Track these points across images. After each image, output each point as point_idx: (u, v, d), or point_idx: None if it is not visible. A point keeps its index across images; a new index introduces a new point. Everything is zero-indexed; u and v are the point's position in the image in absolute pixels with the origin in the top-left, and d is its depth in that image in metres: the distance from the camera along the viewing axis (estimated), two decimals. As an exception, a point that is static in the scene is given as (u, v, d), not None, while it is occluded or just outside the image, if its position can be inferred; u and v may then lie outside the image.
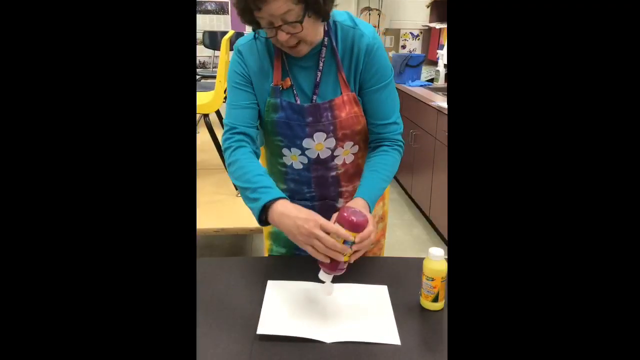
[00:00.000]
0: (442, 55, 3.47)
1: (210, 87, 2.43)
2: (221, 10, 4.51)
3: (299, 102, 1.02)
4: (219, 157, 2.20)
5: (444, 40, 3.61)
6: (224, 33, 2.31)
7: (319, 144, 1.04)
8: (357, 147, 1.10)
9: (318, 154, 1.06)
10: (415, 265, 1.06)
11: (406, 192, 3.39)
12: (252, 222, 1.92)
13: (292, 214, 0.88)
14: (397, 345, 0.81)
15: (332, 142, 1.05)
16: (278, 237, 1.20)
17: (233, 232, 1.92)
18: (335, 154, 1.07)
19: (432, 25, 3.82)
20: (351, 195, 1.13)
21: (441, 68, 3.47)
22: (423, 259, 0.92)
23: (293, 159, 1.08)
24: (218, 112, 2.47)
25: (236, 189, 2.18)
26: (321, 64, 1.01)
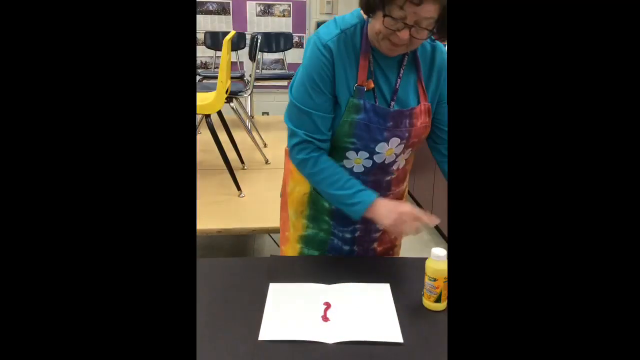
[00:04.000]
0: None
1: (212, 88, 2.43)
2: (222, 10, 4.51)
3: (378, 104, 1.00)
4: (220, 157, 2.20)
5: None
6: (226, 33, 2.31)
7: (390, 150, 1.04)
8: (411, 153, 1.11)
9: (385, 159, 1.05)
10: (417, 265, 1.06)
11: (408, 191, 3.38)
12: (254, 223, 1.93)
13: (396, 209, 0.97)
14: (399, 344, 0.81)
15: (401, 148, 1.05)
16: (312, 241, 1.18)
17: (235, 232, 1.92)
18: (396, 160, 1.08)
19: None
20: (395, 197, 1.16)
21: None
22: (426, 259, 0.92)
23: (357, 162, 1.05)
24: (220, 113, 2.48)
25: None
26: (402, 71, 1.01)
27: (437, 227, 2.84)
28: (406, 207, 0.97)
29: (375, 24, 0.93)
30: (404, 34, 0.89)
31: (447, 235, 2.70)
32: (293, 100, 1.02)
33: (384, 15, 0.89)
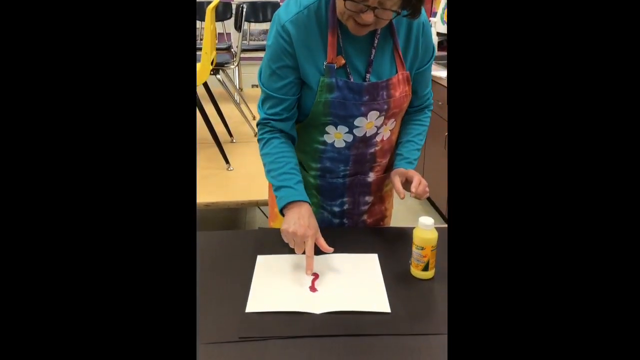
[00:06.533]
0: (435, 23, 3.41)
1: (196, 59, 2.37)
2: (207, -21, 4.38)
3: (352, 80, 0.97)
4: (208, 131, 2.17)
5: (437, 8, 3.53)
6: (209, 2, 2.24)
7: (370, 123, 1.01)
8: (395, 123, 1.09)
9: (365, 132, 1.03)
10: (405, 235, 1.06)
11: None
12: (243, 196, 1.92)
13: (301, 225, 0.93)
14: (387, 313, 0.82)
15: (381, 120, 1.02)
16: None
17: (224, 205, 1.90)
18: (378, 131, 1.05)
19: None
20: (382, 169, 1.15)
21: (434, 36, 3.41)
22: (413, 228, 0.92)
23: (337, 136, 1.03)
24: (206, 85, 2.42)
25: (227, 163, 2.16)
26: (376, 41, 0.96)
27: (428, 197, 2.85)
28: (310, 231, 0.92)
29: (339, 4, 0.88)
30: (368, 16, 0.84)
31: (436, 204, 2.71)
32: (259, 82, 1.02)
33: None
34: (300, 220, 0.93)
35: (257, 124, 1.05)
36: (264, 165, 1.03)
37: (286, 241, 0.95)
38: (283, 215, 0.98)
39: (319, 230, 0.95)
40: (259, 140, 1.04)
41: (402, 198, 1.00)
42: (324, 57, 0.95)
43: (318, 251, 0.98)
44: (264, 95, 1.01)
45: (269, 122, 1.01)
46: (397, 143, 1.12)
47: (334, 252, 0.98)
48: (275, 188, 1.00)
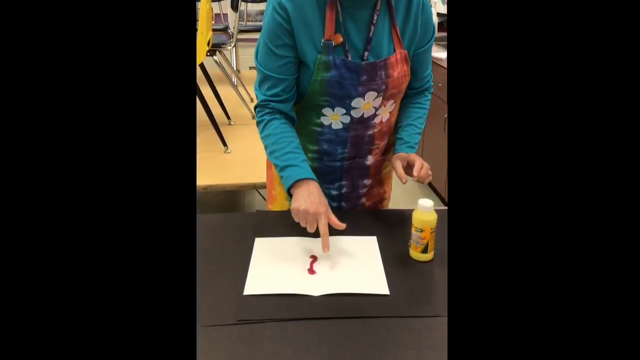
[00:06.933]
0: (435, 3, 3.35)
1: (193, 40, 2.33)
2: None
3: (350, 58, 0.95)
4: (205, 113, 2.15)
5: (436, -14, 3.47)
6: (205, -19, 2.19)
7: (367, 104, 0.99)
8: (394, 105, 1.07)
9: (363, 114, 1.01)
10: (404, 217, 1.06)
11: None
12: (241, 178, 1.91)
13: (312, 202, 0.90)
14: (386, 295, 0.81)
15: (379, 101, 1.00)
16: None
17: (222, 188, 1.89)
18: (377, 113, 1.03)
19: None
20: (381, 152, 1.13)
21: (434, 17, 3.36)
22: (412, 210, 0.91)
23: (334, 118, 1.01)
24: (202, 67, 2.39)
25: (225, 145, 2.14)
26: (375, 17, 0.94)
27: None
28: (322, 208, 0.90)
29: None
30: None
31: (435, 186, 2.71)
32: (256, 61, 1.00)
33: None
34: (310, 198, 0.91)
35: (255, 107, 1.03)
36: (266, 147, 1.01)
37: (297, 220, 0.92)
38: (290, 195, 0.96)
39: (329, 207, 0.93)
40: (258, 123, 1.02)
41: (405, 183, 0.99)
42: (321, 34, 0.93)
43: (317, 234, 0.97)
44: (262, 76, 0.99)
45: (268, 104, 0.99)
46: (397, 127, 1.10)
47: (333, 234, 0.97)
48: (280, 168, 0.97)
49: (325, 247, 0.88)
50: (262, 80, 0.99)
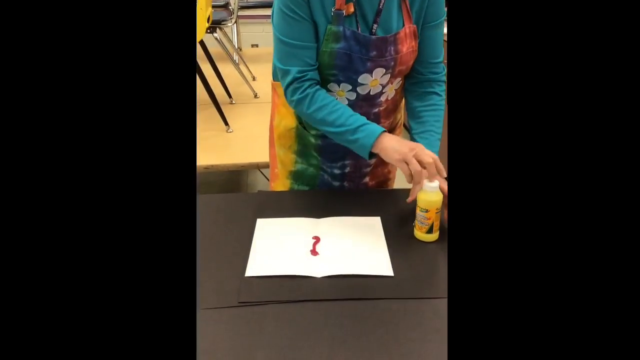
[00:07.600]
0: None
1: (193, 17, 2.28)
2: None
3: (360, 31, 0.91)
4: (205, 92, 2.11)
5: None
6: (204, -45, 2.13)
7: (374, 80, 0.96)
8: (400, 82, 1.03)
9: (369, 91, 0.98)
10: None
11: (404, 125, 3.32)
12: (243, 158, 1.88)
13: (406, 144, 0.89)
14: (390, 277, 0.80)
15: (386, 78, 0.97)
16: (302, 176, 1.14)
17: (224, 168, 1.87)
18: (383, 90, 0.99)
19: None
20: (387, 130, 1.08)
21: None
22: (417, 190, 0.89)
23: (340, 94, 0.98)
24: (202, 44, 2.34)
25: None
26: None
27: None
28: (419, 147, 0.88)
29: None
30: None
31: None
32: (276, 33, 0.94)
33: None
34: (402, 142, 0.90)
35: (288, 85, 0.96)
36: (318, 122, 0.95)
37: (405, 167, 0.87)
38: (373, 155, 0.92)
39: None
40: (301, 100, 0.95)
41: (409, 202, 0.93)
42: (333, 2, 0.90)
43: (320, 215, 0.96)
44: (288, 50, 0.93)
45: (305, 75, 0.94)
46: (412, 133, 1.03)
47: (336, 215, 0.96)
48: (352, 132, 0.91)
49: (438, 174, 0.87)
50: (289, 55, 0.94)
